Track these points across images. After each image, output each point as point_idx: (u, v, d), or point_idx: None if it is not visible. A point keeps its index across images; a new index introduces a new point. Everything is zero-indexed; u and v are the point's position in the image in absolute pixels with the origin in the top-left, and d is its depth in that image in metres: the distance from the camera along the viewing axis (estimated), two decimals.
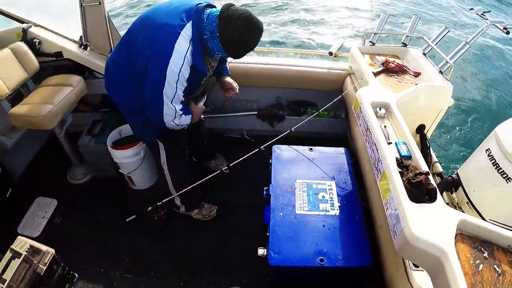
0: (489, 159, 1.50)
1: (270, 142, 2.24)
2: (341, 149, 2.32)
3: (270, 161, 2.26)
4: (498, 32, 2.10)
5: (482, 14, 2.15)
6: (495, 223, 1.47)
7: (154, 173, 2.83)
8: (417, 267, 1.49)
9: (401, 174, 1.46)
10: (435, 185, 1.38)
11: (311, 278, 1.83)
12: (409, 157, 1.58)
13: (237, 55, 1.78)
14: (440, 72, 2.19)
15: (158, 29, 1.67)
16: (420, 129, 2.19)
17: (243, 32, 1.65)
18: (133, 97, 1.89)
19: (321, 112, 3.05)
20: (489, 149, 1.51)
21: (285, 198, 1.99)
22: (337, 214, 1.90)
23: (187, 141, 2.39)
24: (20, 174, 2.90)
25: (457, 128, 5.02)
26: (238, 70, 2.81)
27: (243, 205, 2.68)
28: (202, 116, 2.33)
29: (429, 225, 1.24)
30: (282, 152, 2.30)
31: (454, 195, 1.75)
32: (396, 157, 1.55)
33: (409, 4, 9.60)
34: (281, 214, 1.90)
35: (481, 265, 1.15)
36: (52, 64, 2.81)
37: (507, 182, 1.42)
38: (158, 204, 2.20)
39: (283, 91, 3.09)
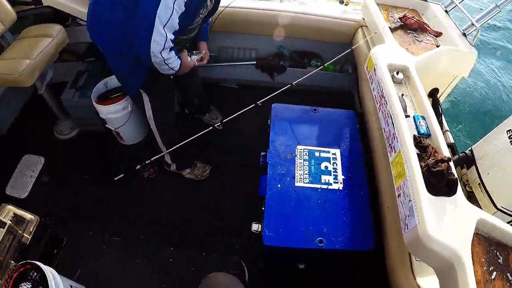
0: (510, 141, 1.32)
1: (268, 97, 2.03)
2: (348, 112, 2.12)
3: (269, 122, 2.07)
4: None
5: None
6: (507, 211, 1.35)
7: (144, 127, 2.69)
8: None
9: (419, 157, 1.29)
10: (456, 175, 1.21)
11: (309, 260, 1.73)
12: (428, 135, 1.40)
13: None
14: (464, 34, 1.95)
15: None
16: (433, 93, 1.98)
17: None
18: (120, 36, 1.71)
19: (327, 65, 2.81)
20: (511, 129, 1.33)
21: (284, 167, 1.81)
22: (340, 188, 1.74)
23: (176, 93, 2.24)
24: (5, 132, 2.77)
25: (476, 99, 4.68)
26: (236, 15, 2.57)
27: (237, 165, 2.56)
28: (197, 64, 2.13)
29: (446, 223, 1.11)
30: (283, 112, 2.10)
31: (464, 171, 1.59)
32: (414, 135, 1.37)
33: None
34: (279, 186, 1.74)
35: (494, 273, 1.06)
36: (31, 12, 2.54)
37: None
38: (147, 162, 2.07)
39: (285, 40, 2.81)
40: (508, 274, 1.06)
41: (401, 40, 1.95)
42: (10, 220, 1.75)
